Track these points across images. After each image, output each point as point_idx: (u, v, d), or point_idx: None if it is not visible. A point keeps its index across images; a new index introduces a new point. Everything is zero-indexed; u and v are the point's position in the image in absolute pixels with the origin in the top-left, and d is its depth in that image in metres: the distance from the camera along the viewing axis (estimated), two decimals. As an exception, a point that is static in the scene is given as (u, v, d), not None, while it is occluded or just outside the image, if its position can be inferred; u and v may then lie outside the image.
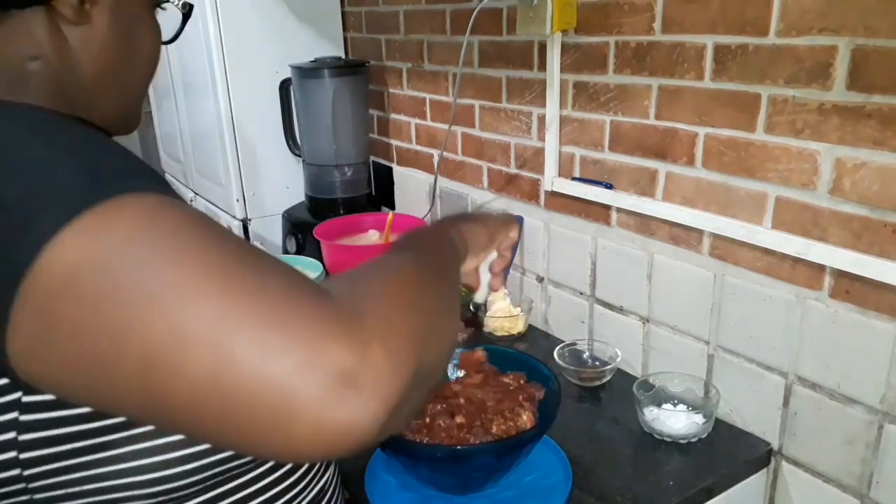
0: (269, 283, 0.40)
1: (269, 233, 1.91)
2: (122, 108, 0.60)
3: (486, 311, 1.41)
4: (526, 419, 0.88)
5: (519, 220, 0.86)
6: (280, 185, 1.92)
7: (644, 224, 1.18)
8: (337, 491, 0.79)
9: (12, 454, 0.46)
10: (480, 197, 1.54)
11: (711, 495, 0.98)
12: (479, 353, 0.99)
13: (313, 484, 0.72)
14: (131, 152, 0.47)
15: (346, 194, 1.84)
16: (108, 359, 0.38)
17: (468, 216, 0.81)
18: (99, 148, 0.45)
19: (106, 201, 0.39)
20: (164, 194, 0.42)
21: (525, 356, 1.01)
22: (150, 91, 2.39)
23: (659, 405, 1.08)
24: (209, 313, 0.38)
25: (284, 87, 1.80)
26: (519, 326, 1.40)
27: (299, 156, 1.86)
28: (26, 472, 0.46)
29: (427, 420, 0.87)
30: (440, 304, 0.51)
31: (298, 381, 0.37)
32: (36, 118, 0.49)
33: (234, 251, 0.41)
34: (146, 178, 0.44)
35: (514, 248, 0.85)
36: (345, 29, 1.91)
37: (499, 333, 1.39)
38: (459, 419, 0.87)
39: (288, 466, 0.63)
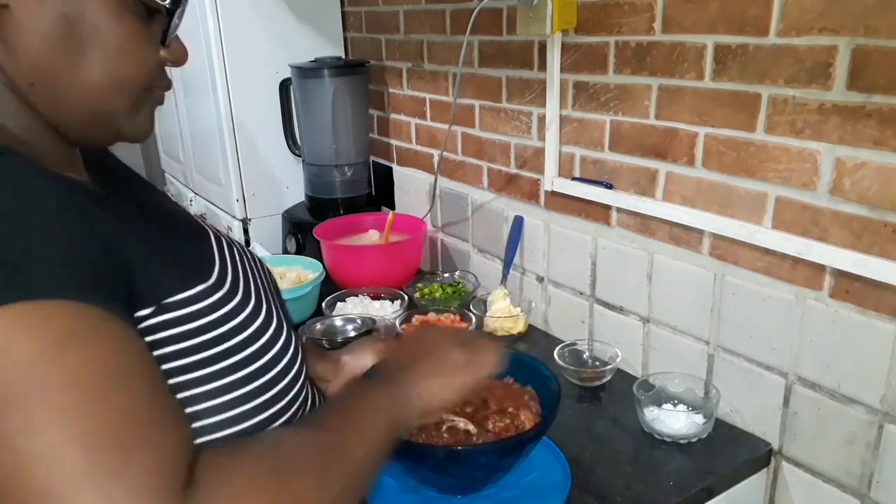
0: (131, 467, 0.40)
1: (269, 233, 1.91)
2: (90, 110, 0.54)
3: (485, 311, 1.41)
4: (525, 418, 0.88)
5: (505, 358, 0.77)
6: (280, 185, 1.92)
7: (644, 224, 1.17)
8: None
9: None
10: (480, 197, 1.54)
11: (711, 495, 0.98)
12: None
13: None
14: (83, 228, 0.46)
15: (346, 194, 1.84)
16: None
17: (429, 365, 0.71)
18: (39, 229, 0.44)
19: (23, 304, 0.41)
20: (92, 304, 0.43)
21: (525, 356, 1.00)
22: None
23: (659, 405, 1.08)
24: (52, 449, 0.39)
25: (284, 86, 1.80)
26: (519, 326, 1.40)
27: (299, 156, 1.86)
28: None
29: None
30: (329, 493, 0.51)
31: None
32: None
33: (115, 419, 0.41)
34: (77, 277, 0.44)
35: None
36: (345, 29, 1.91)
37: (499, 333, 1.39)
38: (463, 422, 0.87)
39: None
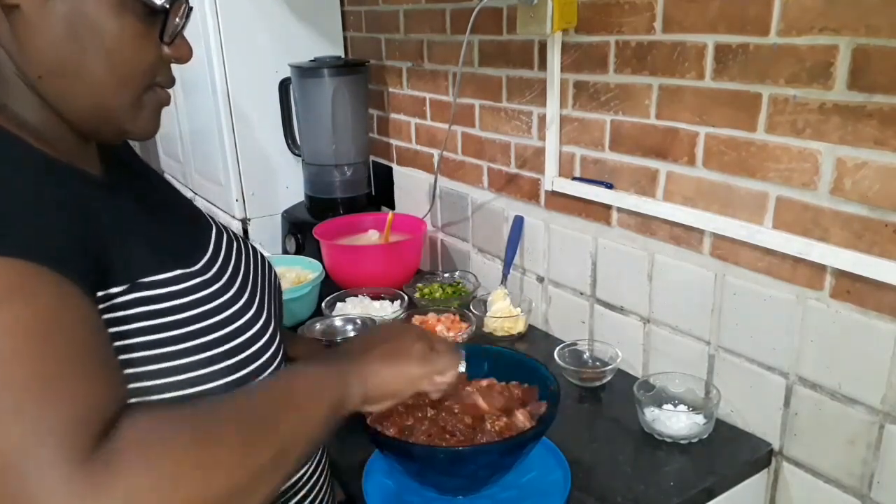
0: (46, 415, 0.42)
1: (269, 233, 1.90)
2: (92, 106, 0.57)
3: (485, 311, 1.41)
4: (522, 417, 0.87)
5: (464, 352, 0.77)
6: (280, 184, 1.91)
7: (644, 224, 1.17)
8: (327, 496, 0.79)
9: None
10: (480, 197, 1.54)
11: (712, 496, 0.98)
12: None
13: (299, 487, 0.72)
14: (50, 200, 0.50)
15: (345, 194, 1.84)
16: None
17: (385, 349, 0.71)
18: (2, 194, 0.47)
19: None
20: (40, 264, 0.46)
21: (525, 357, 1.00)
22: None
23: (659, 406, 1.08)
24: None
25: (284, 86, 1.79)
26: (519, 327, 1.39)
27: (299, 155, 1.86)
28: None
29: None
30: (253, 461, 0.51)
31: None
32: None
33: (40, 369, 0.43)
34: (30, 239, 0.46)
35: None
36: (345, 28, 1.91)
37: (499, 334, 1.39)
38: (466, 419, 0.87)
39: None
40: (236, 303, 0.64)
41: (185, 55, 0.61)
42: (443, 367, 0.74)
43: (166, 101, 0.63)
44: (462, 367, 0.77)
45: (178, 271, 0.60)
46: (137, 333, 0.56)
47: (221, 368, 0.60)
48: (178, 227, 0.68)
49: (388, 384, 0.69)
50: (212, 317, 0.61)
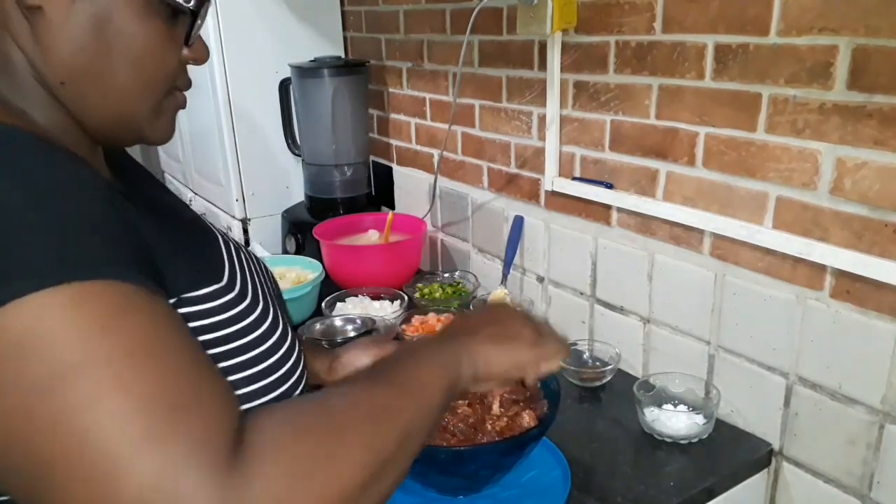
0: (186, 430, 0.41)
1: (269, 233, 1.90)
2: (116, 112, 0.56)
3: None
4: (528, 418, 0.87)
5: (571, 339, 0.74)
6: (280, 184, 1.91)
7: (645, 224, 1.17)
8: None
9: None
10: (480, 197, 1.54)
11: (712, 496, 0.98)
12: None
13: None
14: (120, 216, 0.48)
15: (345, 194, 1.84)
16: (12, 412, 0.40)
17: (495, 331, 0.69)
18: (88, 214, 0.45)
19: (77, 283, 0.42)
20: (137, 284, 0.45)
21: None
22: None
23: (659, 406, 1.08)
24: (112, 417, 0.40)
25: (284, 86, 1.79)
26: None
27: (299, 155, 1.86)
28: None
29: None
30: (381, 451, 0.50)
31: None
32: (26, 163, 0.46)
33: (166, 385, 0.42)
34: (122, 259, 0.45)
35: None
36: (345, 28, 1.91)
37: (499, 333, 1.39)
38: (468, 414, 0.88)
39: None
40: (264, 321, 0.62)
41: (203, 56, 0.60)
42: (551, 353, 0.72)
43: (183, 105, 0.62)
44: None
45: (214, 286, 0.58)
46: None
47: (260, 388, 0.58)
48: (195, 238, 0.65)
49: (497, 365, 0.67)
50: (245, 336, 0.59)
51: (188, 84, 0.62)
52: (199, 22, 0.58)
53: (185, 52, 0.59)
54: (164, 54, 0.56)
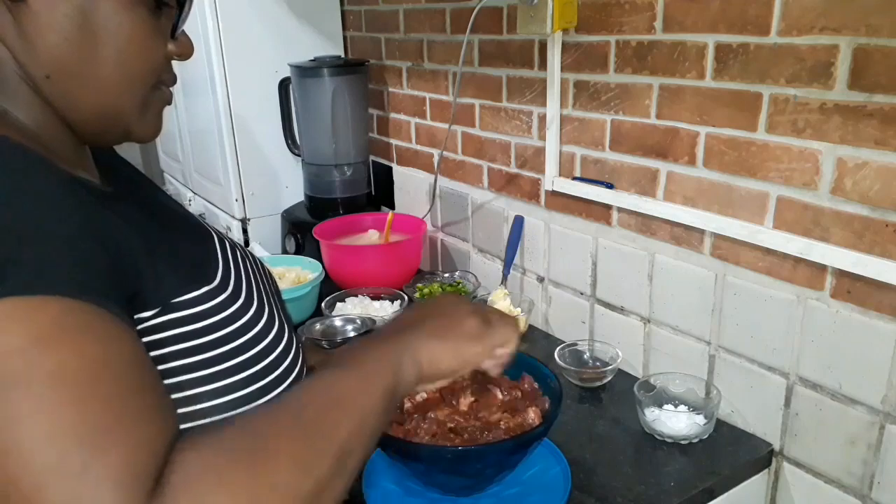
0: (101, 464, 0.40)
1: (269, 233, 1.90)
2: (102, 106, 0.55)
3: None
4: (533, 415, 0.87)
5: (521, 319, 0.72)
6: (279, 184, 1.91)
7: (645, 224, 1.17)
8: None
9: None
10: (480, 196, 1.54)
11: (713, 496, 0.98)
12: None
13: None
14: (89, 229, 0.46)
15: (345, 194, 1.84)
16: None
17: (439, 324, 0.66)
18: (47, 227, 0.44)
19: (18, 297, 0.41)
20: (89, 302, 0.43)
21: (525, 356, 1.00)
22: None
23: (660, 406, 1.08)
24: (32, 440, 0.39)
25: (284, 86, 1.79)
26: (519, 327, 1.39)
27: (299, 155, 1.86)
28: None
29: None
30: (318, 471, 0.48)
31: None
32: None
33: (90, 416, 0.41)
34: (78, 275, 0.44)
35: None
36: (344, 28, 1.91)
37: (499, 333, 1.38)
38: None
39: None
40: (259, 321, 0.61)
41: (188, 51, 0.60)
42: (500, 340, 0.70)
43: (169, 100, 0.61)
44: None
45: (205, 288, 0.57)
46: (174, 357, 0.53)
47: (258, 389, 0.58)
48: (187, 238, 0.64)
49: (443, 362, 0.64)
50: (241, 336, 0.58)
51: (174, 80, 0.61)
52: (184, 15, 0.58)
53: (171, 46, 0.58)
54: (150, 47, 0.56)
